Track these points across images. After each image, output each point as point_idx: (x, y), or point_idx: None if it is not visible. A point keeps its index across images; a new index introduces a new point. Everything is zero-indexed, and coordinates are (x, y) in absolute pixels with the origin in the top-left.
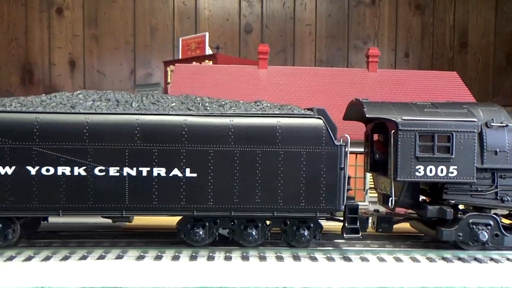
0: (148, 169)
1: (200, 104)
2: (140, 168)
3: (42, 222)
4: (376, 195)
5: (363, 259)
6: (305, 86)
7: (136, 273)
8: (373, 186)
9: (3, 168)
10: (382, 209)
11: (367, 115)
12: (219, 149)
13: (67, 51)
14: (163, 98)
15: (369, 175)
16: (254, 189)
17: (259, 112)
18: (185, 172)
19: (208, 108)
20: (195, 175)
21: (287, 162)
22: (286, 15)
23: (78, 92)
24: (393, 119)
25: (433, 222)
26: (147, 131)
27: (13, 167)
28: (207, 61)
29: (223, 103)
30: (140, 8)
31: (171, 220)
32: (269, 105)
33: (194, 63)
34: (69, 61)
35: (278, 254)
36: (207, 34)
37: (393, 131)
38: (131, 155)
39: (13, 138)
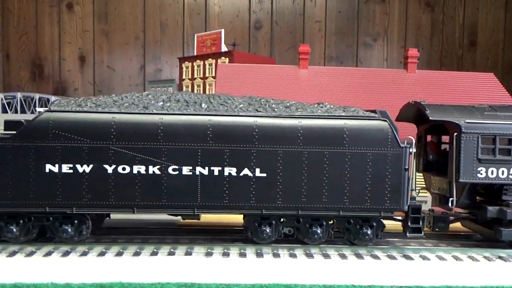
0: (220, 168)
1: (267, 106)
2: (212, 168)
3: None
4: (425, 194)
5: (424, 258)
6: (345, 87)
7: (206, 269)
8: (423, 186)
9: (81, 166)
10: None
11: (430, 118)
12: (288, 150)
13: (77, 46)
14: (229, 99)
15: (417, 175)
16: (321, 189)
17: (326, 114)
18: (255, 172)
19: (275, 109)
20: (264, 174)
21: (353, 162)
22: (295, 12)
23: (147, 92)
24: (457, 122)
25: (487, 222)
26: (219, 132)
27: (91, 166)
28: (223, 58)
29: (288, 104)
30: (150, 4)
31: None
32: (332, 107)
33: (210, 59)
34: (79, 56)
35: (340, 252)
36: (222, 31)
37: (455, 133)
38: (204, 155)
39: (91, 137)
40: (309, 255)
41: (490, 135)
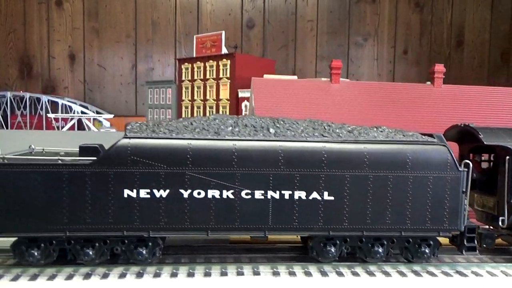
0: (290, 192)
1: (331, 130)
2: (282, 192)
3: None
4: None
5: (476, 274)
6: (375, 101)
7: None
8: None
9: (158, 191)
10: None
11: (485, 143)
12: (355, 174)
13: (67, 44)
14: (294, 123)
15: None
16: (385, 211)
17: (389, 139)
18: (323, 195)
19: (340, 134)
20: (332, 198)
21: (415, 186)
22: (288, 11)
23: (213, 116)
24: (510, 147)
25: None
26: (290, 157)
27: (168, 190)
28: (225, 60)
29: (349, 128)
30: (141, 2)
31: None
32: (391, 130)
33: (211, 61)
34: (69, 55)
35: (398, 269)
36: (223, 32)
37: (507, 157)
38: (275, 179)
39: (168, 163)
40: (370, 273)
41: None
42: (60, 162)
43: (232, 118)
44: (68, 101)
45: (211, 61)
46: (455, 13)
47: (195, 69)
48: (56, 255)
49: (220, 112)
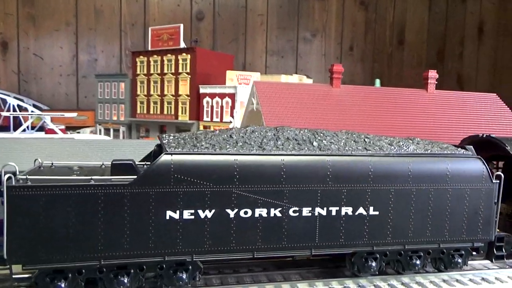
0: (337, 208)
1: (372, 143)
2: (330, 208)
3: None
4: None
5: (501, 280)
6: (373, 105)
7: None
8: None
9: (203, 212)
10: None
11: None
12: (399, 188)
13: None
14: (334, 135)
15: None
16: (426, 224)
17: (429, 152)
18: (369, 210)
19: (383, 148)
20: (377, 213)
21: (453, 198)
22: (238, 4)
23: (250, 128)
24: None
25: None
26: (338, 172)
27: (213, 211)
28: (184, 54)
29: (387, 141)
30: None
31: None
32: (426, 142)
33: (169, 55)
34: (1, 42)
35: (432, 279)
36: (181, 26)
37: None
38: (323, 195)
39: (214, 181)
40: (406, 285)
41: None
42: (93, 182)
43: (271, 130)
44: (0, 93)
45: (169, 55)
46: (397, 12)
47: (152, 63)
48: (83, 284)
49: (180, 108)
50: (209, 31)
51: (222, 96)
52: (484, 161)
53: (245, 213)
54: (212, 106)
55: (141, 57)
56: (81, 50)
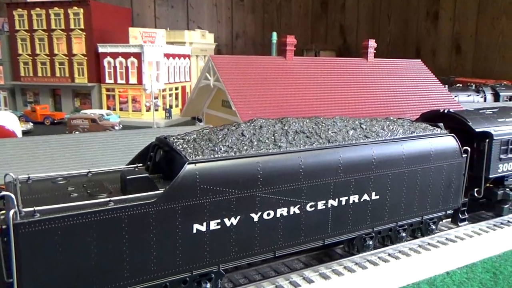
0: (346, 198)
1: (368, 129)
2: (340, 198)
3: None
4: None
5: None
6: (323, 74)
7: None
8: None
9: (229, 220)
10: None
11: (476, 130)
12: (395, 172)
13: None
14: (332, 123)
15: None
16: (413, 201)
17: (416, 135)
18: (371, 196)
19: (379, 134)
20: (378, 197)
21: (435, 175)
22: None
23: (257, 122)
24: (490, 131)
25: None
26: (348, 163)
27: (238, 217)
28: (76, 8)
29: (380, 124)
30: None
31: None
32: (408, 123)
33: (56, 8)
34: None
35: (411, 247)
36: None
37: (487, 140)
38: (335, 187)
39: (239, 187)
40: (392, 255)
41: (506, 140)
42: (112, 205)
43: (276, 123)
44: None
45: (56, 8)
46: None
47: (34, 18)
48: None
49: (76, 70)
50: None
51: (126, 55)
52: (456, 138)
53: (268, 214)
54: (115, 67)
55: (19, 10)
56: None
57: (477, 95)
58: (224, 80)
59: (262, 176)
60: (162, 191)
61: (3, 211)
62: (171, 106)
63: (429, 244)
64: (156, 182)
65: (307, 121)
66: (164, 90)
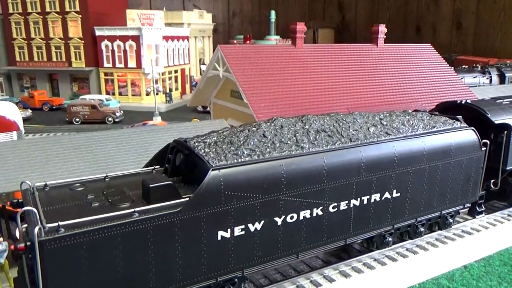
0: (368, 197)
1: (389, 125)
2: (362, 198)
3: None
4: None
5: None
6: (333, 61)
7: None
8: None
9: (253, 225)
10: None
11: (495, 122)
12: (416, 169)
13: None
14: (351, 121)
15: None
16: (433, 196)
17: (436, 130)
18: (392, 193)
19: (400, 130)
20: (399, 194)
21: (454, 169)
22: None
23: (278, 122)
24: (510, 124)
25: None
26: (370, 162)
27: (262, 222)
28: None
29: (397, 120)
30: None
31: None
32: (427, 117)
33: None
34: None
35: (428, 240)
36: None
37: (506, 131)
38: (357, 187)
39: (263, 191)
40: (410, 249)
41: None
42: (137, 216)
43: (296, 121)
44: None
45: None
46: None
47: (28, 0)
48: None
49: (73, 54)
50: None
51: (124, 39)
52: (476, 131)
53: (291, 218)
54: (113, 51)
55: None
56: None
57: (483, 77)
58: (234, 71)
59: (285, 179)
60: (187, 199)
61: (25, 225)
62: (171, 90)
63: (445, 237)
64: (178, 187)
65: (327, 118)
66: (163, 73)
